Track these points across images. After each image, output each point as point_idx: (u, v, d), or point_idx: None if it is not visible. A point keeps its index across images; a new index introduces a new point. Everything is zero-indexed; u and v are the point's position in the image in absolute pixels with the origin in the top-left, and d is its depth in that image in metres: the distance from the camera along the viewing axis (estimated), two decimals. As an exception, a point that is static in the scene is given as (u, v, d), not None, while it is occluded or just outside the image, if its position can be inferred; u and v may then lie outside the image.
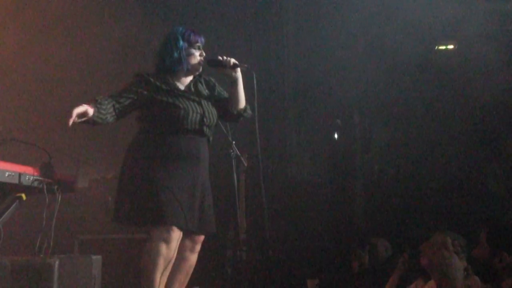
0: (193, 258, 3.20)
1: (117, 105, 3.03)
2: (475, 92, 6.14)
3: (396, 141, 6.70)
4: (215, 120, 3.19)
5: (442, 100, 6.31)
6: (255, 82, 3.11)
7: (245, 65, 3.12)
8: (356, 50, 6.39)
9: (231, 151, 3.54)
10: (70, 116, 2.76)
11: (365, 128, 6.64)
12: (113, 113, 3.01)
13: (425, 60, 6.28)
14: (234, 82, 3.15)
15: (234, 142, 3.48)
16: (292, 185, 6.59)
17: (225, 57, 3.12)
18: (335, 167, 6.54)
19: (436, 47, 6.56)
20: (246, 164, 4.05)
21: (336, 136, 6.73)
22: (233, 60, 3.11)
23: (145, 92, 3.07)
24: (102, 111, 2.95)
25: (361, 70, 6.35)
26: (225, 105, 3.23)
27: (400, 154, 6.59)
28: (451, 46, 6.58)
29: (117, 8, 6.13)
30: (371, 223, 6.20)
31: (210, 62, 3.16)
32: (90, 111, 2.86)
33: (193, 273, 3.30)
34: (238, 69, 3.12)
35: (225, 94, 3.28)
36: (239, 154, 3.66)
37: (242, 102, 3.20)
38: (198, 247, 3.20)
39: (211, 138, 3.24)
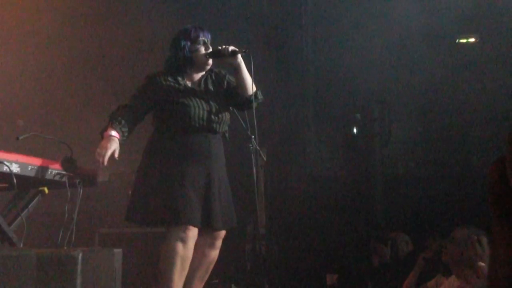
0: (213, 254, 3.18)
1: (134, 114, 3.10)
2: (496, 85, 6.05)
3: (416, 135, 6.63)
4: (225, 116, 3.17)
5: (463, 94, 6.24)
6: (252, 63, 3.10)
7: (243, 50, 3.12)
8: (376, 43, 6.33)
9: (250, 145, 3.53)
10: (103, 162, 2.91)
11: (384, 122, 6.59)
12: (133, 123, 3.10)
13: (446, 53, 6.21)
14: (237, 68, 3.14)
15: (253, 137, 3.47)
16: (311, 180, 6.57)
17: (223, 46, 3.12)
18: (354, 161, 6.51)
19: (457, 40, 6.48)
20: (265, 159, 4.05)
21: (355, 130, 6.69)
22: (231, 48, 3.10)
23: (156, 94, 3.11)
24: (124, 129, 3.02)
25: (381, 63, 6.30)
26: (236, 94, 3.22)
27: (420, 148, 6.53)
28: (472, 39, 6.50)
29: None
30: (391, 217, 6.16)
31: (210, 54, 3.16)
32: (117, 144, 2.96)
33: (213, 266, 3.30)
34: (239, 56, 3.11)
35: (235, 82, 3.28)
36: (258, 149, 3.65)
37: (249, 88, 3.17)
38: (218, 243, 3.18)
39: (227, 134, 3.23)
